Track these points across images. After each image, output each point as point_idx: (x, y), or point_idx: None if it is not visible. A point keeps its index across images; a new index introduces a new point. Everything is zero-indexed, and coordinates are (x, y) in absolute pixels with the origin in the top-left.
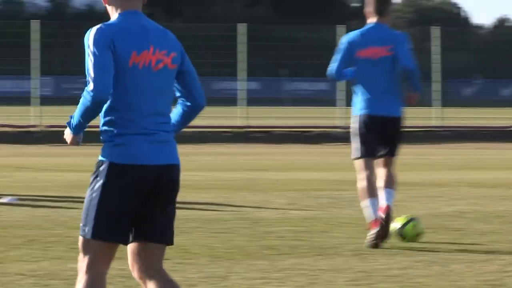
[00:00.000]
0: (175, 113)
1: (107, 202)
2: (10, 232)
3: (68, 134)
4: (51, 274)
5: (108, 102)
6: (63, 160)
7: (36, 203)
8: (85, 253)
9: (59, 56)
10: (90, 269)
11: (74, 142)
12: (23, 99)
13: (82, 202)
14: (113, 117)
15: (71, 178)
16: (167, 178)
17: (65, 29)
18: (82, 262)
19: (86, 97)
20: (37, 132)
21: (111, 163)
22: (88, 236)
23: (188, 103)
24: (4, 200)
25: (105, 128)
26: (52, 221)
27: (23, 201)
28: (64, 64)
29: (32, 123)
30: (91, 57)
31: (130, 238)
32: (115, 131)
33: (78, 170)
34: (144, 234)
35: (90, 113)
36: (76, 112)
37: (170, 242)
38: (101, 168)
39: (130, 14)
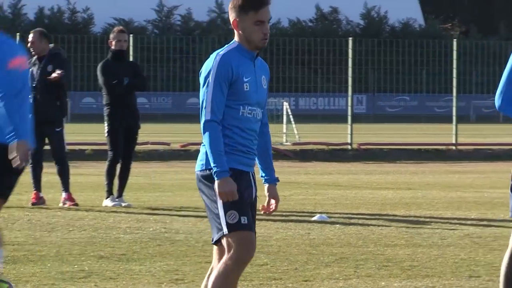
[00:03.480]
0: None
1: None
2: (320, 250)
3: None
4: None
5: None
6: (376, 178)
7: (347, 221)
8: None
9: (373, 73)
10: None
11: None
12: (338, 117)
13: (396, 220)
14: None
15: (385, 196)
16: None
17: (379, 47)
18: None
19: None
20: (350, 150)
21: None
22: None
23: None
24: (315, 217)
25: None
26: (364, 239)
27: (334, 219)
28: (378, 82)
29: (347, 140)
30: None
31: None
32: None
33: (392, 188)
34: None
35: None
36: None
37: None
38: None
39: None
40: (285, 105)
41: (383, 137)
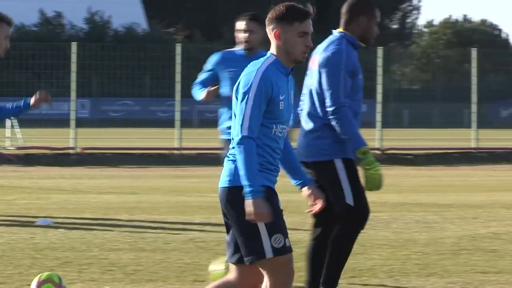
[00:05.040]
0: None
1: None
2: (45, 254)
3: None
4: None
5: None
6: (100, 182)
7: (71, 225)
8: None
9: (97, 78)
10: None
11: None
12: (62, 121)
13: (119, 225)
14: None
15: (108, 200)
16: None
17: (103, 51)
18: None
19: None
20: (74, 154)
21: None
22: None
23: None
24: (39, 222)
25: None
26: (87, 243)
27: (58, 223)
28: (102, 86)
29: (70, 145)
30: None
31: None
32: None
33: (115, 192)
34: None
35: None
36: None
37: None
38: None
39: None
40: None
41: (107, 142)
